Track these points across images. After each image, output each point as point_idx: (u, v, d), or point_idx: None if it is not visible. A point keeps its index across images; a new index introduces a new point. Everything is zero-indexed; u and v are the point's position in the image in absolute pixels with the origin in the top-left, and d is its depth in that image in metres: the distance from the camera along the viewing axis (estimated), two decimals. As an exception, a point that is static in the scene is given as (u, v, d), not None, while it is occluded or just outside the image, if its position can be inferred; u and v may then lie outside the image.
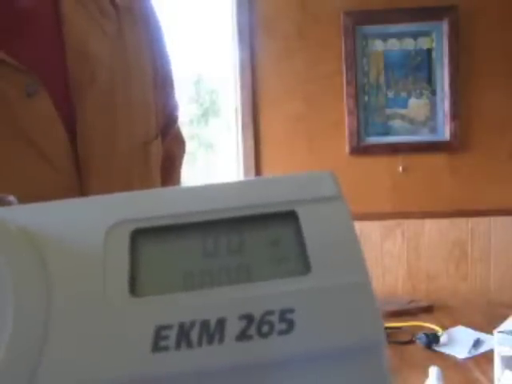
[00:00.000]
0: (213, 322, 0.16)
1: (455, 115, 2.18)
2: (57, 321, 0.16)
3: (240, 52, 2.20)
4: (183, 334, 0.16)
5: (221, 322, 0.16)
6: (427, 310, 1.77)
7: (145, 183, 0.58)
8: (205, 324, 0.16)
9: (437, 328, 1.52)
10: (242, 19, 2.20)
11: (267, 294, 0.17)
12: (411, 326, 1.57)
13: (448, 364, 1.27)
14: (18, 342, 0.15)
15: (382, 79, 2.21)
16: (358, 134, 2.20)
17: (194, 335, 0.16)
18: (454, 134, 2.18)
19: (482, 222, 2.20)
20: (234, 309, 0.16)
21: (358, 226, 2.21)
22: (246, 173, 2.22)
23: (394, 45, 2.20)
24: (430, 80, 2.21)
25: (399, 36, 2.20)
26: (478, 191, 2.20)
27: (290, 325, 0.16)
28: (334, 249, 0.18)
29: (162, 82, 0.66)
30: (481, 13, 2.18)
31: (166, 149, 0.68)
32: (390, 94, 2.21)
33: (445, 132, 2.20)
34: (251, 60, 2.21)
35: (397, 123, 2.22)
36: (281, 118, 2.22)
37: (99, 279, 0.17)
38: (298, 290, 0.17)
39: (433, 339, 1.40)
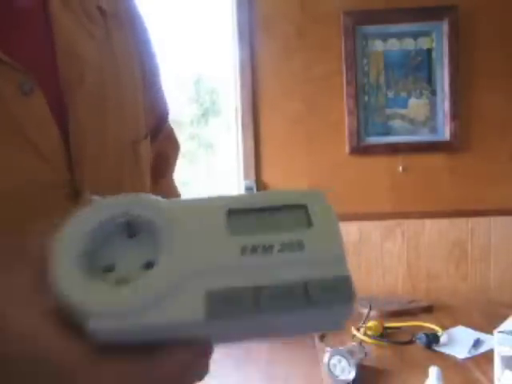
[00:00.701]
0: (266, 248, 0.32)
1: (455, 115, 2.18)
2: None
3: (240, 52, 2.20)
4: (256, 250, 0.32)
5: (269, 248, 0.32)
6: (427, 310, 1.77)
7: (135, 182, 0.60)
8: (267, 248, 0.32)
9: (437, 328, 1.52)
10: (242, 19, 2.20)
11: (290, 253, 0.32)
12: (411, 326, 1.56)
13: (448, 364, 1.27)
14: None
15: (382, 79, 2.21)
16: (358, 134, 2.20)
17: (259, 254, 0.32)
18: (453, 134, 2.18)
19: (481, 222, 2.20)
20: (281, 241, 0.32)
21: (358, 225, 2.21)
22: (246, 173, 2.22)
23: (393, 45, 2.20)
24: (430, 80, 2.21)
25: (399, 36, 2.20)
26: (477, 191, 2.20)
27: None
28: (328, 228, 0.34)
29: (150, 83, 0.68)
30: (481, 13, 2.18)
31: (158, 149, 0.70)
32: (390, 94, 2.21)
33: (445, 132, 2.20)
34: (251, 60, 2.21)
35: (397, 123, 2.22)
36: (281, 118, 2.22)
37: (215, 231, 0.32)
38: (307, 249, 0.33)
39: (433, 339, 1.40)
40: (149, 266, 0.31)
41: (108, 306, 0.29)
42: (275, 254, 0.32)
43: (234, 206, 0.34)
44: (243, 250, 0.32)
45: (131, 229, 0.32)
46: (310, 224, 0.33)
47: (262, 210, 0.34)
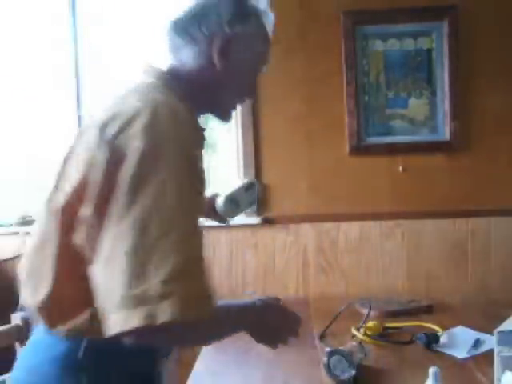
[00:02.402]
0: None
1: (455, 115, 2.18)
2: None
3: (240, 52, 2.20)
4: None
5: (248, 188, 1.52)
6: (427, 310, 1.77)
7: None
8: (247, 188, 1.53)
9: (437, 328, 1.52)
10: (242, 19, 2.20)
11: None
12: (411, 326, 1.57)
13: (448, 364, 1.27)
14: None
15: (382, 79, 2.21)
16: (358, 134, 2.20)
17: None
18: (454, 134, 2.18)
19: (481, 222, 2.20)
20: None
21: (358, 225, 2.21)
22: (246, 172, 2.22)
23: (393, 45, 2.20)
24: (430, 80, 2.21)
25: (399, 36, 2.20)
26: (477, 191, 2.20)
27: None
28: None
29: None
30: (481, 13, 2.18)
31: None
32: (390, 94, 2.21)
33: (445, 132, 2.20)
34: (251, 60, 2.20)
35: (397, 123, 2.22)
36: (281, 118, 2.22)
37: None
38: None
39: (433, 339, 1.40)
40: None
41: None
42: (248, 192, 1.44)
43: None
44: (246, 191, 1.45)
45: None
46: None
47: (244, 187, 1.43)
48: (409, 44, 2.20)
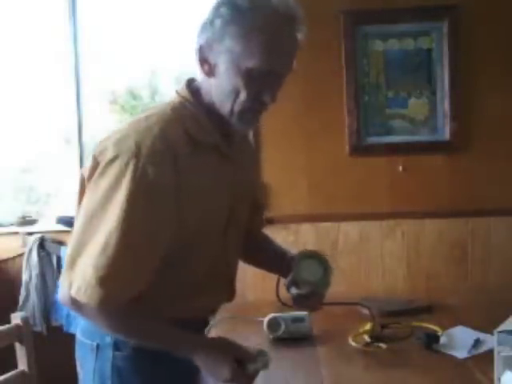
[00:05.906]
0: None
1: (455, 115, 2.18)
2: None
3: (240, 52, 2.20)
4: None
5: None
6: (427, 310, 1.77)
7: None
8: None
9: (437, 328, 1.52)
10: (242, 19, 2.20)
11: None
12: (411, 326, 1.56)
13: (448, 364, 1.27)
14: None
15: (382, 79, 2.21)
16: (358, 133, 2.20)
17: None
18: (453, 134, 2.18)
19: (481, 222, 2.20)
20: None
21: (358, 225, 2.21)
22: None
23: (393, 45, 2.20)
24: (430, 80, 2.21)
25: (399, 36, 2.20)
26: (477, 191, 2.20)
27: None
28: None
29: None
30: (481, 13, 2.18)
31: None
32: (390, 94, 2.21)
33: (445, 132, 2.20)
34: (251, 60, 2.20)
35: (397, 123, 2.22)
36: (281, 118, 2.22)
37: None
38: None
39: (433, 339, 1.40)
40: None
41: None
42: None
43: None
44: None
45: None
46: None
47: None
48: (409, 44, 2.20)
